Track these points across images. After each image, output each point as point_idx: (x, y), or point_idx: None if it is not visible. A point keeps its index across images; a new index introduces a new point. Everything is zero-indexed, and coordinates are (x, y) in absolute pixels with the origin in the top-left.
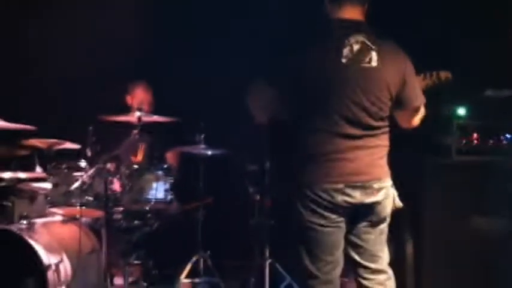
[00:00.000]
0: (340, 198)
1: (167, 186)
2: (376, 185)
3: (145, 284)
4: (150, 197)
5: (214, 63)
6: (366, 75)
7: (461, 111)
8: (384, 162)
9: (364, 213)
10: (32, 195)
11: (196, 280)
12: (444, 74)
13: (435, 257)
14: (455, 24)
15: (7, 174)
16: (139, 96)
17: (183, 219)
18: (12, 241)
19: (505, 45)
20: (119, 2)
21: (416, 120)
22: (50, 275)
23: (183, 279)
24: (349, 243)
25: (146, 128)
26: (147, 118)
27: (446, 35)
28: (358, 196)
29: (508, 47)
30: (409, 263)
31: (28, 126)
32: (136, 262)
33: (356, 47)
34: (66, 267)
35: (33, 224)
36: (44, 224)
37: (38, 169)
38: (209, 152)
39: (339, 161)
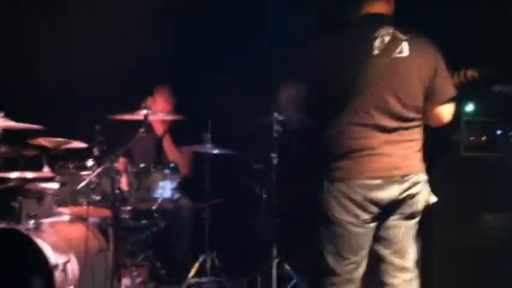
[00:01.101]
0: (376, 194)
1: (174, 185)
2: (413, 179)
3: (152, 284)
4: (157, 195)
5: (223, 63)
6: (398, 65)
7: (469, 107)
8: (419, 156)
9: (397, 206)
10: (40, 195)
11: (203, 280)
12: (471, 72)
13: (445, 255)
14: (463, 19)
15: (14, 174)
16: (159, 104)
17: (190, 218)
18: (19, 241)
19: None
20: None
21: (449, 115)
22: (58, 274)
23: (190, 279)
24: (376, 238)
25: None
26: (153, 117)
27: (454, 31)
28: (395, 191)
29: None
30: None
31: (36, 126)
32: (144, 262)
33: (387, 38)
34: (73, 267)
35: (41, 223)
36: (52, 224)
37: (46, 169)
38: (215, 151)
39: (376, 156)
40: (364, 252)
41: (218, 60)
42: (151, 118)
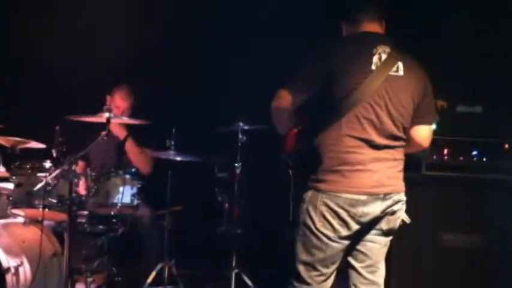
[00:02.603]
0: (360, 209)
1: (134, 190)
2: (395, 197)
3: None
4: (116, 201)
5: (192, 67)
6: (394, 83)
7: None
8: (401, 175)
9: (376, 223)
10: None
11: None
12: (440, 103)
13: (403, 272)
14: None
15: None
16: (116, 101)
17: (151, 225)
18: None
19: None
20: None
21: (429, 139)
22: (9, 278)
23: (147, 287)
24: (350, 251)
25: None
26: (117, 120)
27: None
28: (377, 208)
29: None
30: None
31: None
32: (99, 268)
33: (384, 56)
34: (26, 271)
35: None
36: (5, 225)
37: (1, 168)
38: (178, 158)
39: (365, 172)
40: (335, 266)
41: (185, 65)
42: (113, 121)
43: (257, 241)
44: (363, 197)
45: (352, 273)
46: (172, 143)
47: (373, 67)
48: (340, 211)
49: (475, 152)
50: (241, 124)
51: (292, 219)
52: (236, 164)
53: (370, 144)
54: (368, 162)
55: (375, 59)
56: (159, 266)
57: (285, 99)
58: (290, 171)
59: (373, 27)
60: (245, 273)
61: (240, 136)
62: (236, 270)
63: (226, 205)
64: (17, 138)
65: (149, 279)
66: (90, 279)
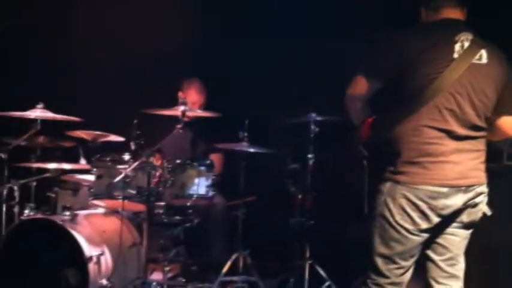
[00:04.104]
0: (442, 202)
1: (209, 182)
2: (477, 189)
3: (184, 280)
4: (191, 192)
5: (261, 62)
6: (476, 71)
7: None
8: (484, 167)
9: (457, 215)
10: (76, 187)
11: (235, 278)
12: None
13: (482, 265)
14: None
15: (52, 165)
16: (190, 89)
17: (224, 216)
18: (55, 232)
19: None
20: None
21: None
22: (91, 267)
23: (223, 276)
24: (429, 244)
25: (190, 123)
26: (191, 113)
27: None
28: (459, 200)
29: None
30: None
31: (75, 118)
32: (176, 258)
33: (466, 44)
34: (107, 260)
35: (76, 215)
36: (87, 216)
37: (82, 161)
38: (251, 150)
39: (447, 164)
40: (414, 259)
41: (264, 60)
42: (188, 114)
43: (330, 232)
44: (445, 190)
45: (431, 267)
46: (245, 134)
47: (456, 55)
48: (421, 203)
49: None
50: (313, 115)
51: (367, 211)
52: (309, 155)
53: (451, 135)
54: (449, 154)
55: (457, 46)
56: (233, 256)
57: (360, 86)
58: (365, 161)
59: (455, 13)
60: (319, 264)
61: (313, 127)
62: (310, 261)
63: (299, 196)
64: (98, 132)
65: (224, 269)
66: (167, 268)
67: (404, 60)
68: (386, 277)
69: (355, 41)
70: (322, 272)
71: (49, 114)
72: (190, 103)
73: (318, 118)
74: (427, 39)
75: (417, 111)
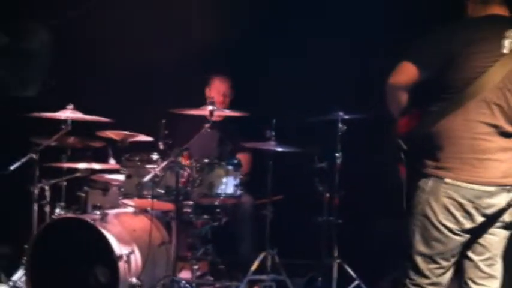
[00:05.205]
0: (486, 201)
1: (237, 181)
2: None
3: (212, 279)
4: (219, 191)
5: (290, 62)
6: None
7: None
8: None
9: (499, 215)
10: (105, 186)
11: (263, 277)
12: None
13: None
14: None
15: (82, 165)
16: (216, 87)
17: (252, 215)
18: (85, 230)
19: None
20: None
21: None
22: (121, 265)
23: (250, 275)
24: (469, 244)
25: (218, 122)
26: (219, 112)
27: None
28: (503, 199)
29: None
30: None
31: (104, 118)
32: (204, 257)
33: None
34: (137, 259)
35: (106, 214)
36: (116, 215)
37: (112, 161)
38: (279, 149)
39: (494, 162)
40: (455, 259)
41: (294, 60)
42: (216, 114)
43: (358, 231)
44: (491, 188)
45: (469, 267)
46: (273, 133)
47: (505, 51)
48: (465, 202)
49: None
50: (340, 113)
51: (405, 206)
52: (336, 154)
53: (499, 131)
54: (495, 151)
55: (507, 42)
56: (261, 255)
57: (406, 74)
58: (402, 155)
59: (502, 10)
60: (347, 263)
61: (340, 125)
62: (338, 260)
63: (327, 195)
64: (127, 132)
65: (252, 268)
66: (195, 267)
67: (453, 50)
68: (427, 277)
69: (384, 40)
70: (350, 271)
71: (79, 115)
72: (217, 98)
73: (346, 116)
74: (475, 32)
75: (464, 105)
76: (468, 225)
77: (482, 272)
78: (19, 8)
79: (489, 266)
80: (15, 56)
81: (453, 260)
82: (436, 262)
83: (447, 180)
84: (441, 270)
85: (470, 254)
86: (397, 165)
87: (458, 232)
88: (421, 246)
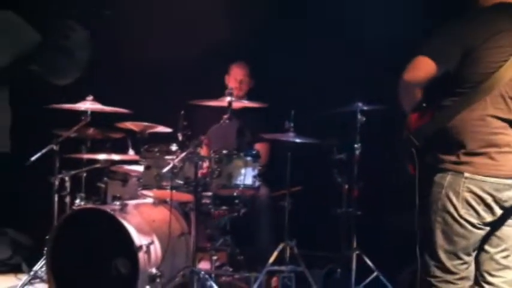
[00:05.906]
0: (506, 194)
1: (256, 172)
2: None
3: (231, 269)
4: (238, 182)
5: (308, 53)
6: None
7: None
8: None
9: None
10: (125, 177)
11: (282, 268)
12: None
13: None
14: None
15: (101, 156)
16: (234, 74)
17: (270, 206)
18: (105, 221)
19: None
20: None
21: None
22: (141, 256)
23: (269, 266)
24: (487, 237)
25: (237, 113)
26: (237, 103)
27: None
28: None
29: None
30: None
31: (123, 110)
32: (222, 247)
33: None
34: (156, 249)
35: (126, 205)
36: (136, 206)
37: (131, 152)
38: (298, 140)
39: (511, 154)
40: (475, 253)
41: (302, 48)
42: (235, 105)
43: (377, 222)
44: (509, 181)
45: (485, 259)
46: (292, 125)
47: None
48: (486, 196)
49: None
50: (360, 104)
51: (418, 201)
52: (355, 145)
53: None
54: None
55: None
56: (280, 246)
57: (424, 70)
58: (414, 151)
59: None
60: (366, 254)
61: (359, 116)
62: (357, 252)
63: (346, 186)
64: (146, 123)
65: (271, 259)
66: (214, 258)
67: (471, 45)
68: (454, 273)
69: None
70: (369, 263)
71: (98, 106)
72: (234, 84)
73: (365, 107)
74: (490, 26)
75: (481, 100)
76: (489, 218)
77: (498, 263)
78: (53, 7)
79: (505, 257)
80: (51, 53)
81: (474, 254)
82: (459, 258)
83: (467, 174)
84: (465, 265)
85: (487, 247)
86: (407, 162)
87: (480, 226)
88: (444, 243)
